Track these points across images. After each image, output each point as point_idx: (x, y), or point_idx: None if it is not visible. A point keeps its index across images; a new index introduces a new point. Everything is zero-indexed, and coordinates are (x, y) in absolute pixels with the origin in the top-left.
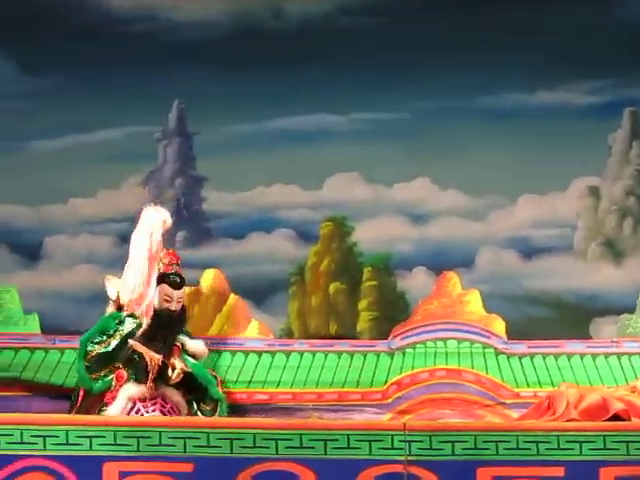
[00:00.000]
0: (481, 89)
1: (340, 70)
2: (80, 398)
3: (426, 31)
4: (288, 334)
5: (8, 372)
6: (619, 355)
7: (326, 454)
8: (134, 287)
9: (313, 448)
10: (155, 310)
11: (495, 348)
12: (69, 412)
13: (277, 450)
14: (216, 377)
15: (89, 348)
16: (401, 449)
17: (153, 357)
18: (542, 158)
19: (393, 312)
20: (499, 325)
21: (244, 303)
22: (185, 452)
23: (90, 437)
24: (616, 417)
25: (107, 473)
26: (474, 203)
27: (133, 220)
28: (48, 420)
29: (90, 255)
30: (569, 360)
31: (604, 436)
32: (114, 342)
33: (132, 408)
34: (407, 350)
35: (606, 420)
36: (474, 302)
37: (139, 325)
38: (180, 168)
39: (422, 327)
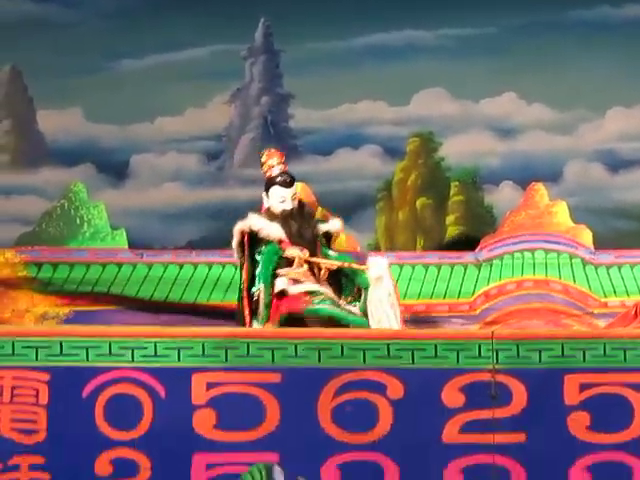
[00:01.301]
0: (569, 3)
1: None
2: (247, 323)
3: None
4: (375, 249)
5: (96, 287)
6: None
7: (413, 363)
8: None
9: (401, 357)
10: (277, 215)
11: (583, 258)
12: None
13: (365, 360)
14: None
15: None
16: (488, 358)
17: (298, 255)
18: (630, 71)
19: (480, 226)
20: (586, 236)
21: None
22: (273, 362)
23: (178, 349)
24: None
25: (195, 384)
26: (561, 117)
27: (219, 138)
28: (136, 332)
29: (177, 173)
30: None
31: None
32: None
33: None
34: (494, 261)
35: None
36: (561, 213)
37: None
38: (266, 86)
39: (509, 238)
